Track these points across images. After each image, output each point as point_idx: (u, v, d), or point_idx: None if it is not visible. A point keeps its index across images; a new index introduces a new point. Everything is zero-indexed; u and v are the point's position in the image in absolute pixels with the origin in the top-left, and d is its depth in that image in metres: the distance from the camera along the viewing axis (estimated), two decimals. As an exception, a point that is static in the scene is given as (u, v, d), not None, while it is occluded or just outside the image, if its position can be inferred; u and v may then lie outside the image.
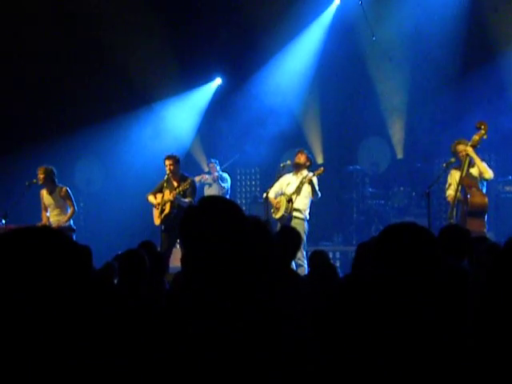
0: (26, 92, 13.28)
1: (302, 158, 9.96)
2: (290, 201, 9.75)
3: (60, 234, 2.04)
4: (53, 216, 10.19)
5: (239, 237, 2.29)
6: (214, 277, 2.26)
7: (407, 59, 12.93)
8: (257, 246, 2.76)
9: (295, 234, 5.85)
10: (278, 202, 9.86)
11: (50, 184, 10.14)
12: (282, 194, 9.97)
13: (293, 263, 9.39)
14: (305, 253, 9.55)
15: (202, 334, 2.16)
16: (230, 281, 2.26)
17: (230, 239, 2.27)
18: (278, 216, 9.79)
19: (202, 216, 2.32)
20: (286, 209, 9.75)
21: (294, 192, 9.78)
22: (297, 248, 5.68)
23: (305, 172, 9.89)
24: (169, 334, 2.22)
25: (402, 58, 12.93)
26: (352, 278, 3.22)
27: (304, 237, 9.66)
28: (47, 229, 2.03)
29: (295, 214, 9.76)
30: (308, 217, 9.87)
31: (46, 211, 10.27)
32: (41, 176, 10.10)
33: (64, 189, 10.16)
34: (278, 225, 9.45)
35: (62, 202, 10.15)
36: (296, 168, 9.96)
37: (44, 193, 10.23)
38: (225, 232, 2.28)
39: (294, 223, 9.59)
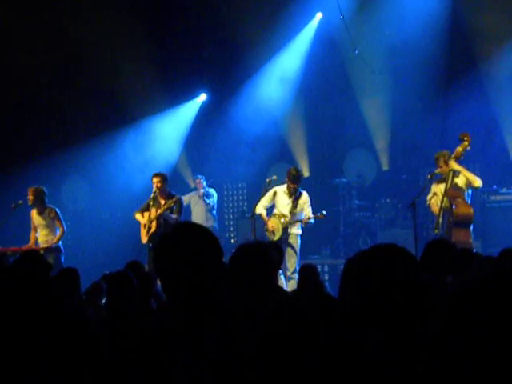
0: (11, 111, 13.26)
1: (295, 184, 9.87)
2: (285, 228, 9.82)
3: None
4: (42, 236, 10.16)
5: (211, 263, 2.30)
6: (189, 305, 2.27)
7: (391, 71, 12.99)
8: (254, 271, 2.77)
9: (277, 249, 5.90)
10: (272, 226, 9.88)
11: (40, 205, 10.12)
12: (274, 206, 10.00)
13: (282, 277, 9.50)
14: (297, 267, 9.60)
15: (180, 362, 2.17)
16: (200, 309, 2.27)
17: (201, 266, 2.28)
18: (274, 239, 9.80)
19: (175, 243, 2.32)
20: (283, 234, 9.82)
21: (290, 221, 9.81)
22: (280, 263, 5.71)
23: (299, 193, 9.90)
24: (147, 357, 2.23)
25: (386, 70, 12.99)
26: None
27: (297, 252, 9.78)
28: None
29: (290, 232, 9.84)
30: (301, 232, 9.98)
31: (36, 231, 10.24)
32: (30, 197, 10.08)
33: (53, 210, 10.15)
34: None
35: (51, 222, 10.14)
36: (290, 190, 9.94)
37: (34, 213, 10.21)
38: (196, 259, 2.28)
39: (290, 240, 9.73)
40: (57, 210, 10.20)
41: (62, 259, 10.02)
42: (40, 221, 10.15)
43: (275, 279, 5.50)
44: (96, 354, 2.32)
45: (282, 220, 9.81)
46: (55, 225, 10.13)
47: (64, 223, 10.19)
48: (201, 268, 2.28)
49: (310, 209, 9.91)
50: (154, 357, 2.24)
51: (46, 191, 10.17)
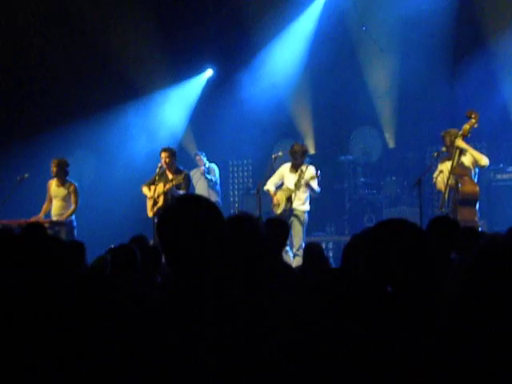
0: (15, 86, 13.24)
1: (298, 158, 9.88)
2: (289, 199, 9.79)
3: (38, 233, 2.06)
4: (56, 208, 10.20)
5: (216, 238, 2.29)
6: (193, 279, 2.27)
7: (398, 48, 12.91)
8: (244, 244, 2.78)
9: (282, 224, 5.88)
10: (277, 199, 9.88)
11: (63, 176, 10.18)
12: (282, 184, 9.98)
13: (290, 253, 9.53)
14: (304, 244, 9.62)
15: (187, 331, 2.18)
16: (204, 283, 2.26)
17: (205, 239, 2.27)
18: (278, 212, 9.82)
19: (177, 218, 2.31)
20: (286, 205, 9.79)
21: (293, 190, 9.79)
22: (285, 238, 5.68)
23: (303, 166, 9.87)
24: (154, 331, 2.24)
25: (393, 48, 12.91)
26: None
27: (303, 228, 9.76)
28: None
29: (295, 207, 9.81)
30: (308, 208, 9.91)
31: (50, 203, 10.27)
32: (54, 168, 10.15)
33: (74, 185, 10.24)
34: None
35: (68, 196, 10.18)
36: (295, 166, 9.94)
37: (53, 184, 10.25)
38: (200, 232, 2.28)
39: (295, 216, 9.71)
40: (77, 185, 10.25)
41: (75, 233, 10.06)
42: (59, 192, 10.19)
43: (278, 254, 5.53)
44: (99, 326, 2.33)
45: (287, 192, 9.81)
46: (71, 199, 10.18)
47: (78, 201, 10.22)
48: (204, 240, 2.27)
49: (316, 182, 9.87)
50: (155, 331, 2.24)
51: (68, 162, 10.21)
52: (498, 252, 1.96)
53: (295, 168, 9.89)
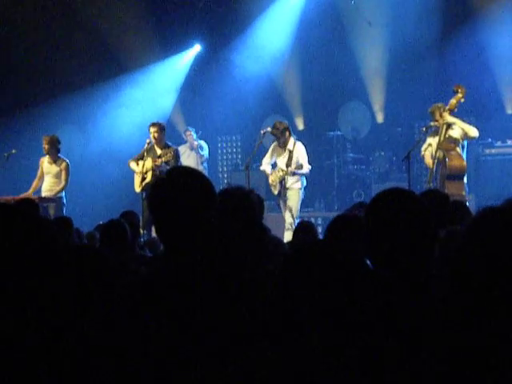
0: (2, 62, 13.12)
1: (280, 136, 9.85)
2: (282, 180, 9.82)
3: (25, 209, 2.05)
4: (48, 184, 10.20)
5: (207, 209, 2.29)
6: (183, 249, 2.27)
7: (387, 23, 12.87)
8: (239, 218, 2.77)
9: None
10: (272, 180, 9.92)
11: (54, 153, 10.16)
12: (275, 163, 9.98)
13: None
14: (297, 220, 9.65)
15: (176, 304, 2.18)
16: (198, 253, 2.27)
17: (197, 211, 2.27)
18: (275, 193, 9.92)
19: (169, 188, 2.31)
20: (281, 187, 9.83)
21: (285, 171, 9.80)
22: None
23: (291, 144, 9.85)
24: (144, 304, 2.24)
25: (382, 22, 12.87)
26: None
27: (297, 205, 9.77)
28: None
29: (289, 186, 9.83)
30: (303, 185, 9.93)
31: (40, 180, 10.26)
32: (46, 146, 10.16)
33: (65, 162, 10.22)
34: (278, 199, 9.83)
35: (60, 173, 10.18)
36: (281, 145, 9.93)
37: (45, 161, 10.24)
38: (192, 204, 2.27)
39: (290, 194, 9.74)
40: (68, 162, 10.23)
41: (64, 210, 10.06)
42: (51, 169, 10.19)
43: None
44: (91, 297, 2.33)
45: (280, 174, 9.82)
46: (61, 176, 10.16)
47: (68, 178, 10.21)
48: (195, 213, 2.27)
49: (305, 161, 9.87)
50: (146, 305, 2.24)
51: (59, 139, 10.18)
52: (495, 218, 1.97)
53: (282, 147, 9.89)
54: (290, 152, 9.79)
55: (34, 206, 6.48)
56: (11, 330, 1.99)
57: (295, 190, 9.84)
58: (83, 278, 2.46)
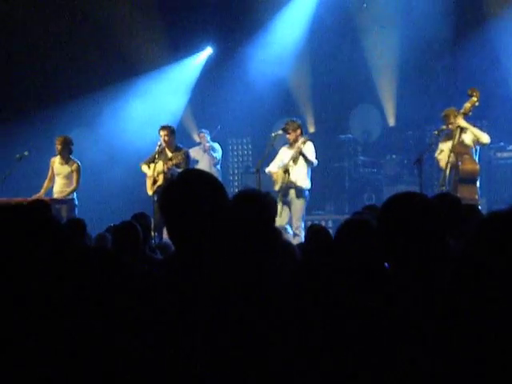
0: (14, 64, 13.18)
1: (292, 135, 9.82)
2: (286, 171, 9.66)
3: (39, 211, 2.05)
4: (59, 185, 10.21)
5: (218, 211, 2.29)
6: (194, 252, 2.27)
7: (399, 26, 12.85)
8: (255, 219, 2.77)
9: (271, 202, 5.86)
10: (275, 174, 9.80)
11: (67, 154, 10.18)
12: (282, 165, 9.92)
13: (290, 232, 9.49)
14: (303, 223, 9.59)
15: (188, 302, 2.18)
16: (208, 256, 2.26)
17: (208, 214, 2.27)
18: (276, 188, 9.73)
19: (181, 191, 2.31)
20: (283, 180, 9.68)
21: (289, 162, 9.69)
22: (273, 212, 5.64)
23: (300, 140, 9.78)
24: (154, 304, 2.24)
25: (394, 26, 12.85)
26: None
27: (303, 207, 9.69)
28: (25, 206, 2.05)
29: (294, 180, 9.68)
30: (309, 186, 9.80)
31: (51, 181, 10.27)
32: (58, 146, 10.16)
33: (77, 163, 10.23)
34: (278, 196, 9.50)
35: (71, 174, 10.19)
36: (291, 143, 9.87)
37: (56, 161, 10.26)
38: (203, 206, 2.27)
39: (292, 193, 9.63)
40: (79, 164, 10.25)
41: (76, 212, 10.07)
42: (62, 170, 10.20)
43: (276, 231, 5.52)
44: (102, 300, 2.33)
45: (285, 173, 9.70)
46: (73, 178, 10.18)
47: (80, 180, 10.22)
48: (207, 215, 2.27)
49: (313, 156, 9.73)
50: (159, 307, 2.24)
51: (72, 140, 10.21)
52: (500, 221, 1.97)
53: (291, 144, 9.84)
54: (299, 148, 9.68)
55: (46, 207, 6.50)
56: (22, 329, 2.00)
57: (300, 190, 9.68)
58: (96, 281, 2.46)
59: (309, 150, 9.70)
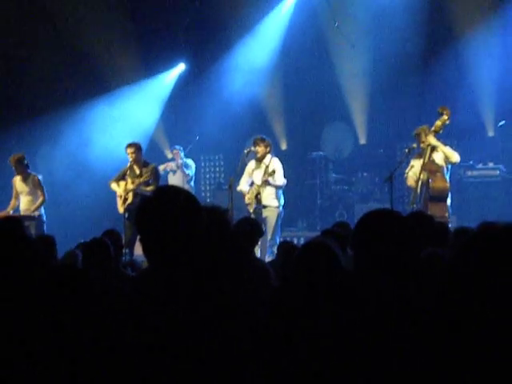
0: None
1: (260, 150, 9.91)
2: (258, 194, 9.76)
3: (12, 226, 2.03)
4: (24, 203, 10.15)
5: (194, 228, 2.30)
6: (169, 268, 2.27)
7: (369, 45, 12.98)
8: (213, 235, 2.78)
9: (254, 223, 5.93)
10: (248, 198, 9.86)
11: (24, 171, 10.10)
12: (252, 183, 9.96)
13: (269, 251, 9.52)
14: (278, 240, 9.63)
15: (161, 320, 2.17)
16: (186, 270, 2.26)
17: (184, 231, 2.27)
18: (251, 210, 9.81)
19: (156, 208, 2.32)
20: (256, 202, 9.77)
21: (259, 186, 9.78)
22: (256, 236, 5.70)
23: (267, 159, 9.87)
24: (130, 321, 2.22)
25: (365, 44, 12.97)
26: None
27: (276, 224, 9.75)
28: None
29: (266, 203, 9.77)
30: (281, 203, 9.88)
31: (17, 199, 10.21)
32: (13, 166, 10.14)
33: (36, 177, 10.16)
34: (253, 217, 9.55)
35: (34, 189, 10.12)
36: (258, 159, 9.96)
37: (17, 180, 10.20)
38: (180, 223, 2.28)
39: (266, 213, 9.69)
40: (39, 177, 10.20)
41: (44, 228, 9.99)
42: (23, 187, 10.13)
43: (249, 252, 5.55)
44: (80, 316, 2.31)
45: (255, 190, 9.79)
46: (37, 192, 10.10)
47: (45, 192, 10.15)
48: (183, 231, 2.27)
49: (280, 174, 9.84)
50: (134, 322, 2.23)
51: (24, 156, 10.14)
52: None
53: (259, 161, 9.89)
54: (266, 166, 9.78)
55: (18, 224, 6.40)
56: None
57: (272, 209, 9.78)
58: (68, 298, 2.44)
59: (277, 176, 9.76)
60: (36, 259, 2.03)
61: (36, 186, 10.12)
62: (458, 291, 1.86)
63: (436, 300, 2.00)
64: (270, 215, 9.75)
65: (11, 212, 10.15)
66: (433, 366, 1.89)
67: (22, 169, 10.10)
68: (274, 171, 9.67)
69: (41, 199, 10.12)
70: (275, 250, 9.34)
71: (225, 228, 3.37)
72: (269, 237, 9.63)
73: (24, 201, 10.17)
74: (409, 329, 2.16)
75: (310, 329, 2.42)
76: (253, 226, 5.77)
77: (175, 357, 2.12)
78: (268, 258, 8.97)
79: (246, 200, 9.89)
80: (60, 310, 2.18)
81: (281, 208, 9.87)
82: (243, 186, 10.03)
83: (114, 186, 9.94)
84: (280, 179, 9.82)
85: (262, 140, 9.94)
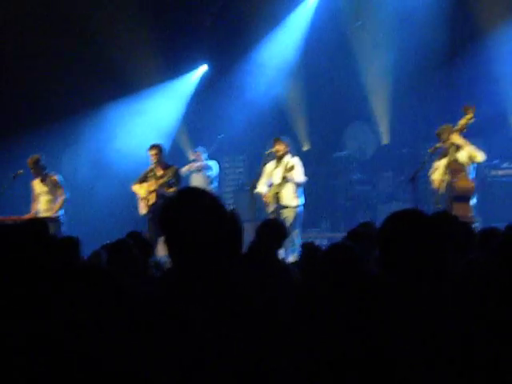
0: (9, 83, 13.17)
1: (281, 148, 9.92)
2: (276, 194, 9.75)
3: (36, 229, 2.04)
4: (44, 203, 10.22)
5: (218, 228, 2.29)
6: (194, 268, 2.27)
7: (393, 44, 12.91)
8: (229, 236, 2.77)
9: (278, 225, 5.93)
10: (267, 198, 9.87)
11: (41, 172, 10.17)
12: (271, 184, 9.95)
13: (290, 251, 9.51)
14: (300, 239, 9.62)
15: (183, 321, 2.17)
16: (209, 270, 2.26)
17: (208, 231, 2.27)
18: (270, 211, 9.81)
19: (180, 209, 2.32)
20: (274, 202, 9.75)
21: (279, 184, 9.77)
22: (280, 238, 5.71)
23: (286, 158, 9.88)
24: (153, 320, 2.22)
25: (388, 43, 12.91)
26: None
27: (296, 224, 9.73)
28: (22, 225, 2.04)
29: (285, 203, 9.76)
30: (301, 202, 9.85)
31: (37, 202, 10.28)
32: (31, 169, 10.22)
33: (54, 177, 10.22)
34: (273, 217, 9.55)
35: (53, 189, 10.18)
36: (278, 158, 9.96)
37: (36, 182, 10.28)
38: (203, 224, 2.27)
39: (285, 213, 9.68)
40: (58, 176, 10.25)
41: (63, 229, 10.03)
42: (42, 188, 10.20)
43: (273, 254, 5.54)
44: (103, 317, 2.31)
45: (274, 189, 9.78)
46: (57, 192, 10.15)
47: (65, 191, 10.20)
48: (207, 229, 2.27)
49: (300, 171, 9.82)
50: (159, 322, 2.23)
51: (41, 157, 10.20)
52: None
53: (279, 159, 9.89)
54: (286, 164, 9.78)
55: (44, 225, 6.45)
56: (20, 348, 1.97)
57: (291, 209, 9.75)
58: (93, 298, 2.44)
59: (296, 172, 9.75)
60: (59, 259, 2.04)
61: (55, 186, 10.18)
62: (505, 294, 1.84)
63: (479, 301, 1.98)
64: (290, 215, 9.73)
65: (34, 214, 10.20)
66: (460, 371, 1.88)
67: (40, 170, 10.17)
68: (292, 167, 9.66)
69: (61, 199, 10.16)
70: (296, 250, 9.36)
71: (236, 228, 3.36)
72: (292, 236, 9.62)
73: (43, 201, 10.23)
74: (441, 329, 2.13)
75: (334, 331, 2.41)
76: (278, 228, 5.77)
77: (199, 358, 2.12)
78: (290, 259, 8.96)
79: (265, 199, 9.87)
80: (83, 309, 2.18)
81: (300, 208, 9.84)
82: (261, 187, 10.04)
83: (136, 188, 10.01)
84: (299, 176, 9.81)
85: (282, 139, 9.94)
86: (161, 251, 9.38)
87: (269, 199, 9.81)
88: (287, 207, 9.75)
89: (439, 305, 2.28)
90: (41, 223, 6.29)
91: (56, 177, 10.22)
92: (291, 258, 9.05)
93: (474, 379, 1.97)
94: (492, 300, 1.90)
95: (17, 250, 1.97)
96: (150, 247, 5.73)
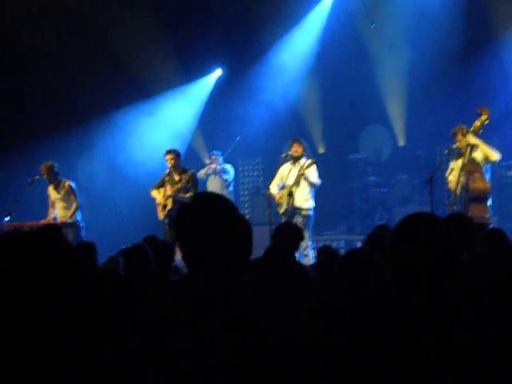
0: (25, 88, 13.27)
1: (299, 150, 9.91)
2: (290, 194, 9.72)
3: (49, 236, 2.06)
4: (60, 210, 10.30)
5: (232, 234, 2.31)
6: (208, 273, 2.28)
7: (407, 45, 12.89)
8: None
9: (294, 227, 5.94)
10: (280, 198, 9.84)
11: (54, 179, 10.23)
12: (284, 186, 9.94)
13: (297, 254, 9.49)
14: (311, 242, 9.60)
15: (200, 325, 2.18)
16: (223, 275, 2.28)
17: (223, 237, 2.29)
18: (281, 211, 9.80)
19: (194, 214, 2.34)
20: (288, 203, 9.73)
21: (293, 184, 9.75)
22: (297, 241, 5.72)
23: (303, 161, 9.87)
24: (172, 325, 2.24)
25: (402, 45, 12.89)
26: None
27: (308, 227, 9.71)
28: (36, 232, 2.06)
29: (298, 205, 9.74)
30: (313, 205, 9.84)
31: (53, 208, 10.35)
32: (45, 176, 10.26)
33: (67, 183, 10.26)
34: (283, 218, 9.54)
35: (66, 196, 10.24)
36: (294, 160, 9.95)
37: (51, 188, 10.35)
38: (218, 229, 2.29)
39: (297, 215, 9.65)
40: (71, 182, 10.29)
41: (83, 234, 10.08)
42: (56, 195, 10.27)
43: (290, 256, 5.55)
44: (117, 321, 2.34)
45: (290, 196, 9.74)
46: (70, 199, 10.22)
47: (78, 197, 10.26)
48: (222, 234, 2.28)
49: (315, 174, 9.81)
50: (175, 327, 2.25)
51: (54, 164, 10.26)
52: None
53: (296, 160, 9.87)
54: (301, 166, 9.76)
55: (57, 231, 6.51)
56: (34, 353, 2.00)
57: (305, 210, 9.72)
58: (109, 303, 2.47)
59: (312, 172, 9.75)
60: (74, 265, 2.07)
61: (68, 193, 10.23)
62: None
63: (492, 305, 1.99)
64: (302, 218, 9.71)
65: (51, 219, 10.28)
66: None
67: (54, 176, 10.23)
68: (310, 164, 9.65)
69: (74, 205, 10.21)
70: (307, 252, 9.36)
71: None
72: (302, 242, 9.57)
73: (59, 207, 10.31)
74: (454, 334, 2.14)
75: (351, 335, 2.42)
76: (294, 231, 5.79)
77: (212, 364, 2.14)
78: (304, 262, 8.96)
79: (277, 199, 9.85)
80: (99, 313, 2.21)
81: (312, 211, 9.82)
82: (273, 188, 10.03)
83: (154, 193, 10.08)
84: (314, 177, 9.78)
85: (301, 141, 9.96)
86: (178, 255, 9.42)
87: (281, 199, 9.79)
88: (299, 209, 9.73)
89: (451, 305, 2.29)
90: (53, 228, 6.35)
91: (68, 183, 10.27)
92: (304, 261, 9.06)
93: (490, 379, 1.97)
94: (497, 296, 1.91)
95: (26, 256, 1.99)
96: (168, 252, 5.75)
